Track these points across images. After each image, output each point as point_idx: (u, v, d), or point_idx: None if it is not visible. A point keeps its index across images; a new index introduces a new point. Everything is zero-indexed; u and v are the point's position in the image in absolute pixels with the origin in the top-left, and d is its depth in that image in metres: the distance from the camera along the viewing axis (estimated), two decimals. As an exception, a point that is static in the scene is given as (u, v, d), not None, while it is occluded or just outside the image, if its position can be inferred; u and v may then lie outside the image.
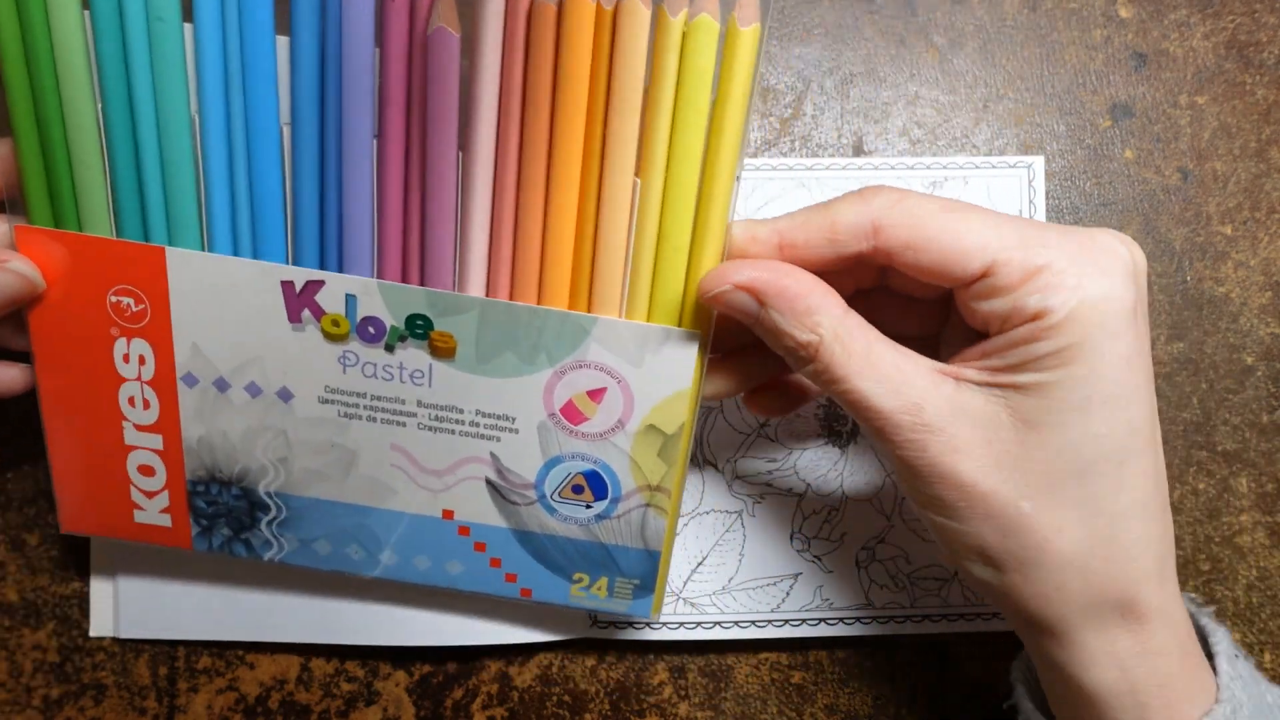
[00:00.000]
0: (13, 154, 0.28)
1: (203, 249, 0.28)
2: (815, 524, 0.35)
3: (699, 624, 0.35)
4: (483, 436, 0.30)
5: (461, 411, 0.30)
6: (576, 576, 0.32)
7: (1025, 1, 0.36)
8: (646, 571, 0.32)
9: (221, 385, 0.30)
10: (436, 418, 0.30)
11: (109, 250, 0.28)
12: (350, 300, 0.28)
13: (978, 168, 0.35)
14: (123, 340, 0.29)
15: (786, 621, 0.35)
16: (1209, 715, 0.25)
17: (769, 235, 0.27)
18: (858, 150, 0.35)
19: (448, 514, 0.31)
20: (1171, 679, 0.25)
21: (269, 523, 0.32)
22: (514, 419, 0.30)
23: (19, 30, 0.26)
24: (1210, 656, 0.26)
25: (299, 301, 0.28)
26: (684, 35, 0.25)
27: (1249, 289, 0.36)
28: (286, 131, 0.27)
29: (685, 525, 0.35)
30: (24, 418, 0.34)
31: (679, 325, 0.28)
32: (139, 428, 0.31)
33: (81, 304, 0.29)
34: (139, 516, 0.32)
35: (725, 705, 0.36)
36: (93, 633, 0.35)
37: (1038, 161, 0.35)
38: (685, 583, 0.35)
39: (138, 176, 0.28)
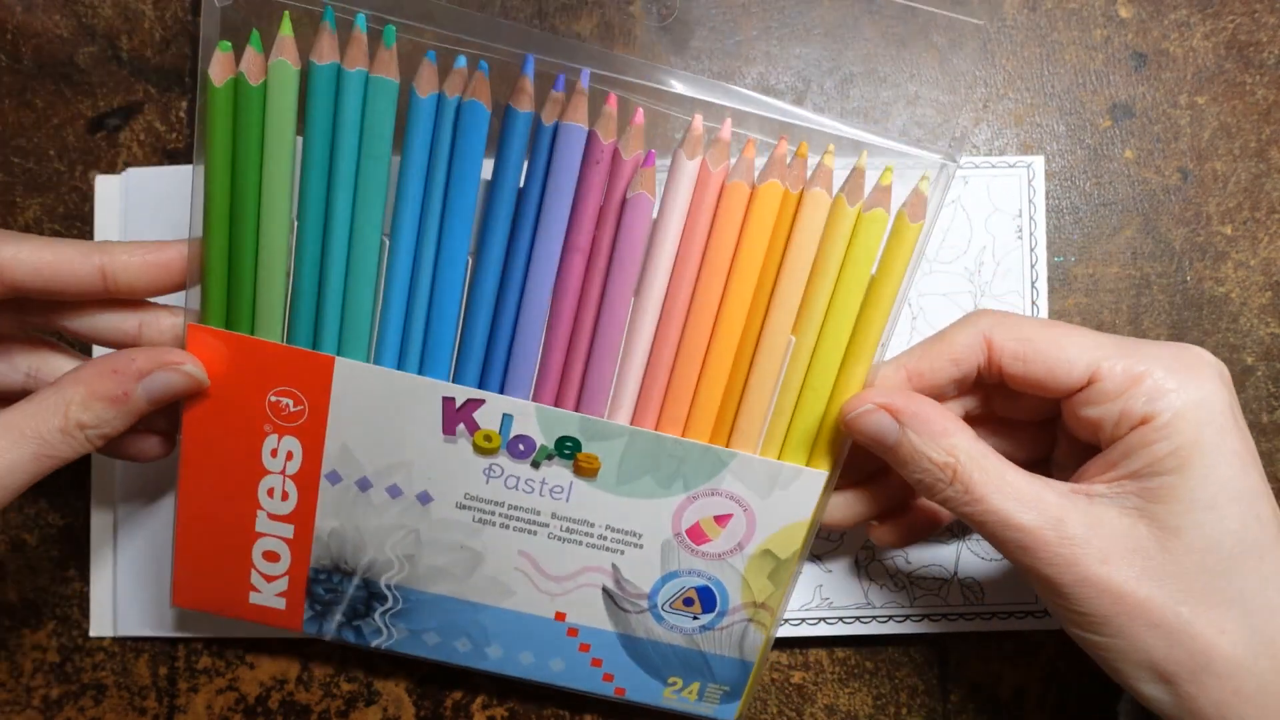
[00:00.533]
0: (198, 254, 0.29)
1: (368, 361, 0.30)
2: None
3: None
4: (608, 549, 0.32)
5: (592, 525, 0.32)
6: (671, 680, 0.34)
7: (1025, 1, 0.36)
8: (738, 679, 0.34)
9: (364, 485, 0.31)
10: (568, 529, 0.32)
11: (279, 354, 0.29)
12: (506, 419, 0.30)
13: (978, 167, 0.35)
14: (274, 436, 0.30)
15: (786, 621, 0.35)
16: None
17: (895, 371, 0.30)
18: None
19: (560, 616, 0.33)
20: None
21: (384, 613, 0.33)
22: (641, 535, 0.32)
23: (231, 138, 0.27)
24: None
25: (456, 416, 0.30)
26: (857, 222, 0.28)
27: (1249, 289, 0.36)
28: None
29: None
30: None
31: (808, 463, 0.31)
32: (273, 517, 0.32)
33: (240, 400, 0.30)
34: (254, 598, 0.33)
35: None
36: (93, 633, 0.35)
37: (1038, 161, 0.35)
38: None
39: (319, 290, 0.29)
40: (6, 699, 0.35)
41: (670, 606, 0.33)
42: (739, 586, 0.32)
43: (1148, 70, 0.36)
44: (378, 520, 0.32)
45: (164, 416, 0.31)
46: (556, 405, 0.30)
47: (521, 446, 0.31)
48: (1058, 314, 0.36)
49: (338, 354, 0.30)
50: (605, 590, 0.33)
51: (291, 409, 0.30)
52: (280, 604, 0.33)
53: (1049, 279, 0.36)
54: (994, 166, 0.35)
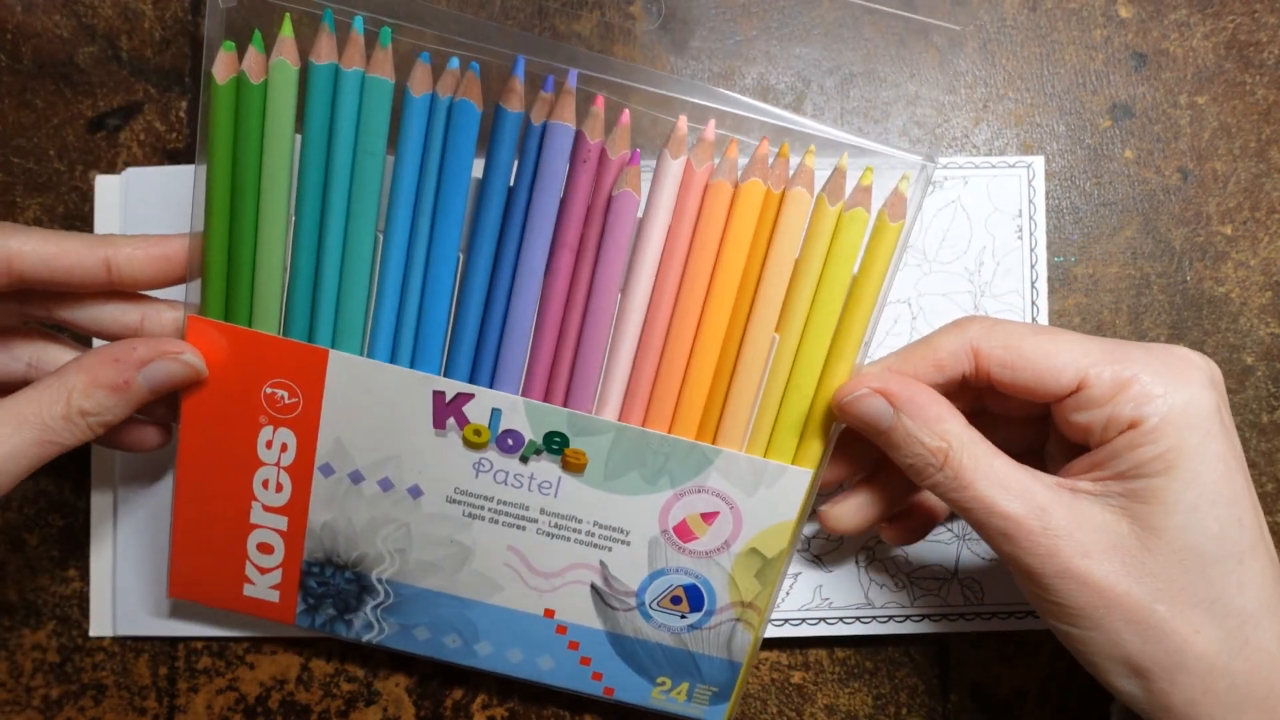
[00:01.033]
0: (199, 248, 0.30)
1: (361, 354, 0.30)
2: (815, 523, 0.35)
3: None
4: (596, 546, 0.32)
5: (580, 521, 0.32)
6: (660, 680, 0.34)
7: (1025, 1, 0.36)
8: (726, 680, 0.34)
9: (356, 477, 0.32)
10: (556, 525, 0.32)
11: (275, 347, 0.30)
12: (495, 414, 0.31)
13: (978, 167, 0.35)
14: (269, 428, 0.31)
15: (786, 621, 0.35)
16: None
17: (880, 372, 0.30)
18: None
19: (549, 613, 0.33)
20: None
21: (375, 607, 0.33)
22: (628, 532, 0.32)
23: (232, 134, 0.28)
24: None
25: (447, 410, 0.31)
26: (838, 221, 0.28)
27: (1249, 289, 0.36)
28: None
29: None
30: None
31: (793, 462, 0.31)
32: (267, 509, 0.32)
33: (237, 391, 0.31)
34: (248, 590, 0.33)
35: (724, 703, 0.36)
36: (93, 633, 0.36)
37: (1037, 161, 0.35)
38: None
39: (314, 284, 0.30)
40: (6, 699, 0.35)
41: (658, 605, 0.33)
42: (726, 585, 0.33)
43: (1148, 70, 0.36)
44: (370, 513, 0.32)
45: (163, 406, 0.32)
46: (545, 400, 0.31)
47: (510, 441, 0.31)
48: (1057, 314, 0.36)
49: (332, 347, 0.30)
50: (594, 587, 0.33)
51: (286, 401, 0.31)
52: (274, 596, 0.33)
53: (1049, 279, 0.36)
54: (994, 166, 0.35)
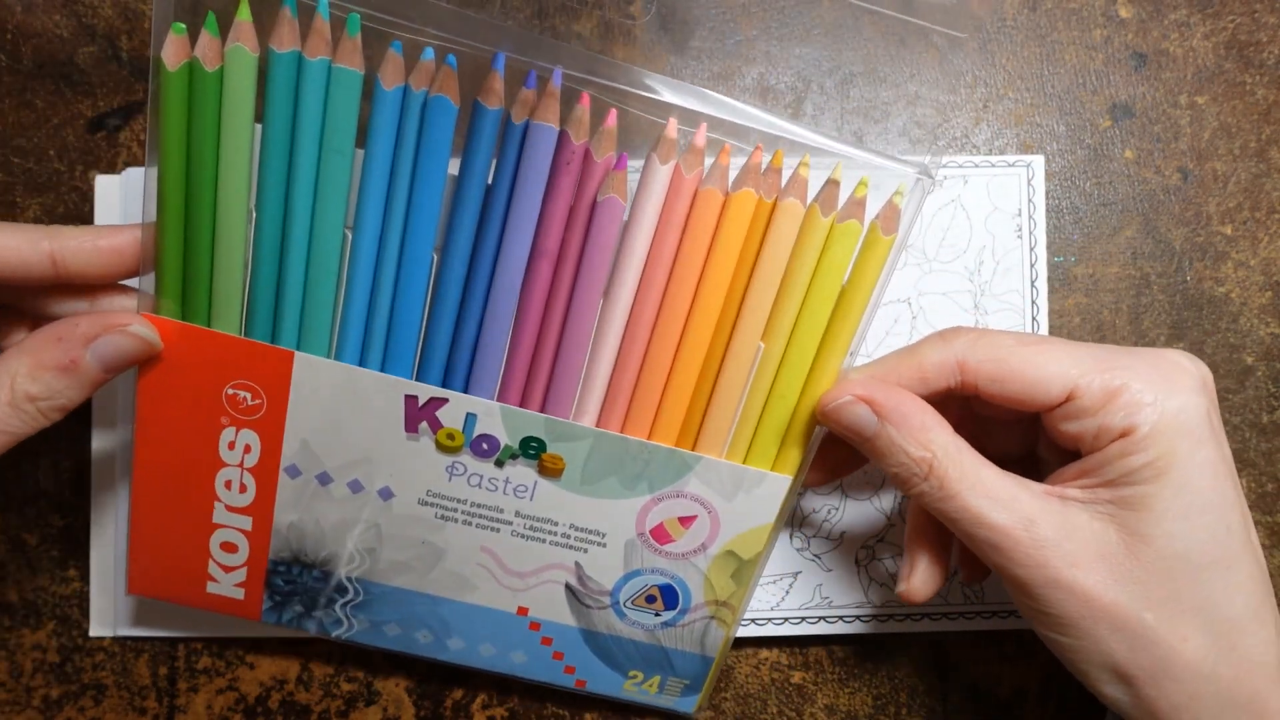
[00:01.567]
0: (152, 241, 0.28)
1: (329, 356, 0.29)
2: (815, 523, 0.35)
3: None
4: (571, 547, 0.32)
5: (556, 524, 0.31)
6: (631, 673, 0.34)
7: (1025, 1, 0.36)
8: (698, 673, 0.34)
9: (324, 479, 0.31)
10: (531, 528, 0.31)
11: (237, 347, 0.29)
12: (470, 419, 0.30)
13: (977, 167, 0.35)
14: (231, 429, 0.30)
15: (786, 620, 0.35)
16: None
17: (865, 379, 0.29)
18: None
19: (522, 610, 0.33)
20: None
21: (344, 604, 0.33)
22: (604, 534, 0.32)
23: (185, 124, 0.26)
24: None
25: (419, 414, 0.30)
26: (830, 233, 0.28)
27: (1249, 289, 0.36)
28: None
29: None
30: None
31: (773, 468, 0.31)
32: (230, 509, 0.31)
33: (196, 392, 0.29)
34: (211, 588, 0.32)
35: (725, 704, 0.36)
36: (93, 633, 0.35)
37: (1037, 161, 0.35)
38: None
39: (278, 283, 0.28)
40: (6, 699, 0.35)
41: (632, 603, 0.33)
42: (701, 585, 0.33)
43: (1148, 70, 0.36)
44: (339, 514, 0.31)
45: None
46: (522, 406, 0.30)
47: (485, 446, 0.30)
48: (1057, 313, 0.36)
49: (297, 348, 0.29)
50: (568, 586, 0.33)
51: (250, 402, 0.29)
52: (239, 594, 0.33)
53: (1049, 279, 0.36)
54: (994, 166, 0.35)
